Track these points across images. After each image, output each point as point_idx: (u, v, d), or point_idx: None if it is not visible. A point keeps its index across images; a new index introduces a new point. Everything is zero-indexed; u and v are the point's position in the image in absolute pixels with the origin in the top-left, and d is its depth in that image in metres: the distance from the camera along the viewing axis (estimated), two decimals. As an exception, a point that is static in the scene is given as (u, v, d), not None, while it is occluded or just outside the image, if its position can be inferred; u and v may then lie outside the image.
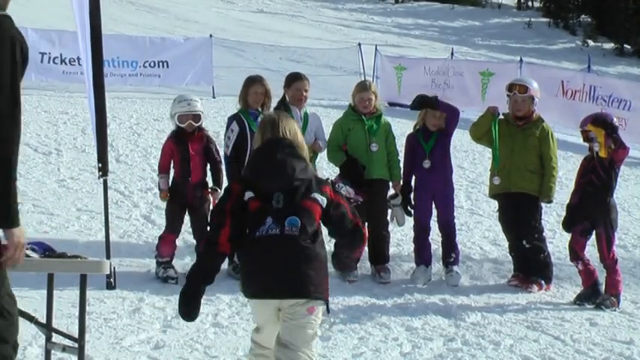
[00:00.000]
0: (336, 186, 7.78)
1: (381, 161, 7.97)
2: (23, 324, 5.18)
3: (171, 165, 7.63)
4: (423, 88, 14.88)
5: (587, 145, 7.62)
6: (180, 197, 7.56)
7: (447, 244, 8.04)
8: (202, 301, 6.84)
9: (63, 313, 5.92)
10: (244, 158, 7.54)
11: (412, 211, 8.05)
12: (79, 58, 15.77)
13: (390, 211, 8.02)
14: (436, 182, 7.97)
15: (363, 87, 8.15)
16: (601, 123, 7.55)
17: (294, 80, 8.04)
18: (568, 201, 7.74)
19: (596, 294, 7.51)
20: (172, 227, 7.62)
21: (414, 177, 8.06)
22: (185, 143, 7.53)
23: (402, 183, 8.05)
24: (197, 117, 7.53)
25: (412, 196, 8.06)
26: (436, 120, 7.97)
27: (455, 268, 7.99)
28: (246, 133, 7.58)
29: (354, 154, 7.92)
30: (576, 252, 7.57)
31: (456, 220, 8.27)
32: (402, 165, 8.09)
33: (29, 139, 13.01)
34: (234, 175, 7.58)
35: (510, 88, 8.04)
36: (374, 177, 7.92)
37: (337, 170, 8.12)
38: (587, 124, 7.54)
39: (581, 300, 7.54)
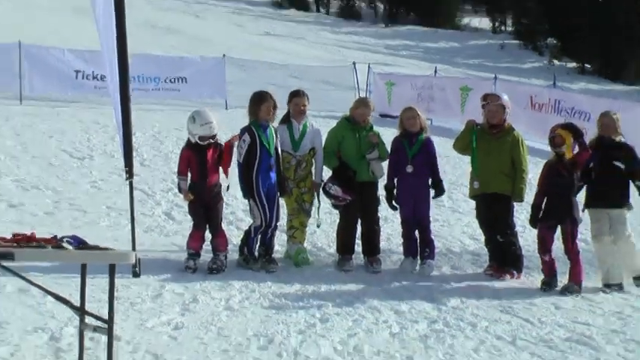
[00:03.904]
0: (326, 186, 7.88)
1: None
2: (60, 307, 5.20)
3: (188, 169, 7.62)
4: (410, 101, 14.83)
5: (552, 150, 7.65)
6: (200, 197, 7.55)
7: (422, 239, 8.02)
8: (216, 287, 6.93)
9: (94, 298, 5.91)
10: (254, 164, 7.56)
11: (397, 207, 8.04)
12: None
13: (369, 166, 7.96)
14: (417, 185, 7.96)
15: (365, 104, 8.17)
16: (570, 128, 7.61)
17: (294, 96, 8.09)
18: (533, 200, 7.75)
19: (556, 281, 7.58)
20: (198, 225, 7.59)
21: (397, 179, 8.05)
22: (203, 151, 7.51)
23: (386, 181, 8.04)
24: (214, 135, 7.55)
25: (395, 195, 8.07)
26: (413, 122, 7.97)
27: (428, 261, 7.96)
28: (256, 143, 7.58)
29: (347, 160, 7.93)
30: (547, 245, 7.58)
31: (438, 217, 8.29)
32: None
33: (66, 146, 13.04)
34: (246, 178, 7.60)
35: (485, 98, 8.14)
36: (364, 180, 7.93)
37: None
38: (557, 130, 7.58)
39: (547, 286, 7.56)
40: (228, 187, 7.78)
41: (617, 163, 7.63)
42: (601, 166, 7.65)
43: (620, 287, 7.66)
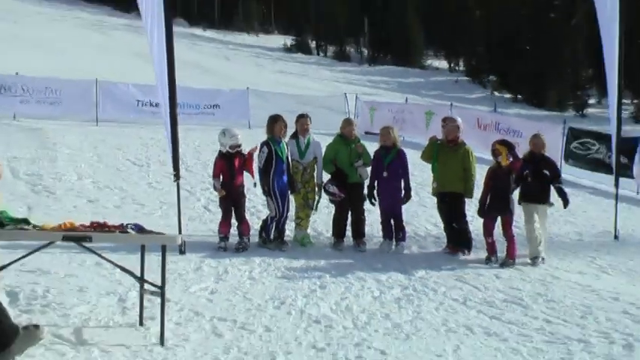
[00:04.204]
0: (326, 186, 7.86)
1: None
2: (126, 277, 5.19)
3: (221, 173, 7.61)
4: (387, 122, 14.78)
5: (493, 159, 7.69)
6: (229, 194, 7.53)
7: (396, 226, 7.97)
8: (241, 262, 6.91)
9: (151, 270, 5.89)
10: (271, 169, 7.56)
11: (374, 203, 7.96)
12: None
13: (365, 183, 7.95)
14: (391, 186, 7.92)
15: (349, 123, 8.20)
16: (504, 143, 7.66)
17: (300, 118, 8.08)
18: (480, 197, 7.75)
19: (496, 257, 7.57)
20: (226, 215, 7.58)
21: (377, 182, 8.01)
22: (231, 159, 7.52)
23: (368, 183, 7.96)
24: (240, 144, 7.55)
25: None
26: (387, 138, 7.93)
27: (401, 242, 7.92)
28: (272, 154, 7.58)
29: (341, 166, 7.91)
30: (490, 230, 7.59)
31: (409, 209, 8.22)
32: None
33: (129, 156, 13.02)
34: (264, 180, 7.59)
35: (444, 120, 8.19)
36: (354, 181, 7.91)
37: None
38: (496, 144, 7.62)
39: (489, 261, 7.55)
40: (255, 184, 7.79)
41: (546, 172, 7.69)
42: (533, 175, 7.67)
43: (543, 261, 7.65)
